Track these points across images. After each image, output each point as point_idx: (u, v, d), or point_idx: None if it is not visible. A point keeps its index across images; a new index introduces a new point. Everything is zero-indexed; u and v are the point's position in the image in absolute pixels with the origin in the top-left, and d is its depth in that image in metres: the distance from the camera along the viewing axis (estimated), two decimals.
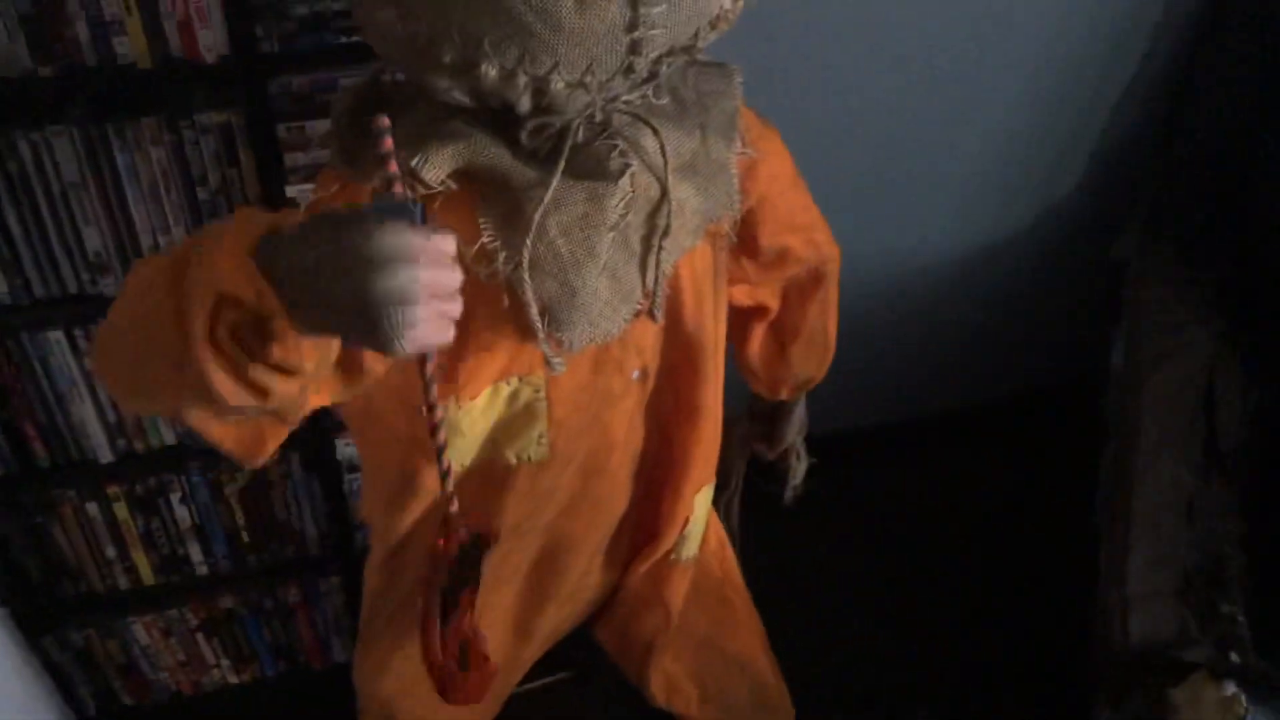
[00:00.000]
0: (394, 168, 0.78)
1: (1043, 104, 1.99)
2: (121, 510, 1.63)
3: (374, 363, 0.97)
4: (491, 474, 1.13)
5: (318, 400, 0.95)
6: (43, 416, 1.50)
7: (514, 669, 1.44)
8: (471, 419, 1.06)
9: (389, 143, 0.77)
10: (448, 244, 0.75)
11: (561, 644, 1.51)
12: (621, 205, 0.96)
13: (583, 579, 1.34)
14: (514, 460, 1.12)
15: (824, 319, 1.37)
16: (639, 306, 1.03)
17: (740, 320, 1.35)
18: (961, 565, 2.24)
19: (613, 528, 1.29)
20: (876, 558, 2.26)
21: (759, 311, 1.34)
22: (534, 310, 0.96)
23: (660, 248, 1.00)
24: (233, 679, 1.93)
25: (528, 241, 0.93)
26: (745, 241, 1.18)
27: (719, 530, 1.49)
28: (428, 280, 0.73)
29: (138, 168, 1.33)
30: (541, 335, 0.97)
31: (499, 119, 0.93)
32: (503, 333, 1.00)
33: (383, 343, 0.73)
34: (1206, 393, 1.86)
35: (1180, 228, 2.06)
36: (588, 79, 0.87)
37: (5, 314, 1.41)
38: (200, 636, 1.84)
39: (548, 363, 1.00)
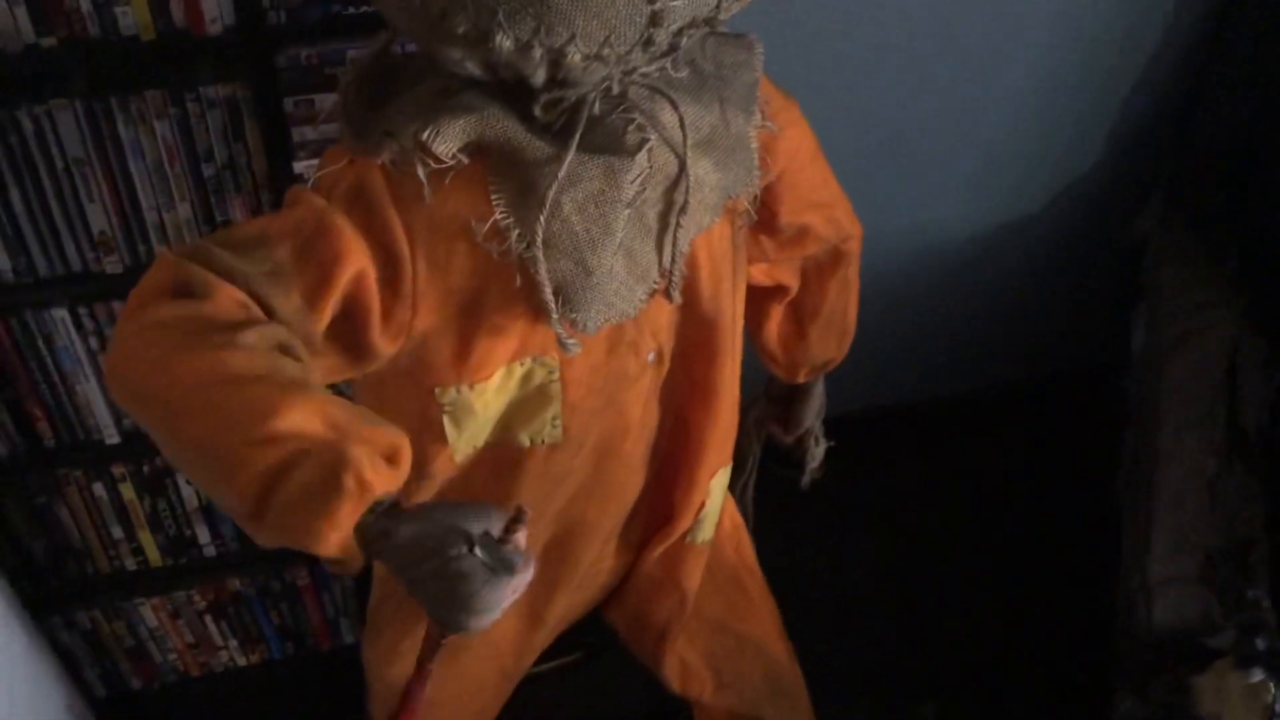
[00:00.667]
0: (523, 538, 0.83)
1: (1061, 79, 1.96)
2: (128, 491, 1.61)
3: (383, 346, 0.95)
4: (504, 456, 1.11)
5: (324, 380, 0.93)
6: (48, 396, 1.48)
7: (525, 654, 1.42)
8: (484, 400, 1.04)
9: (525, 526, 0.83)
10: (530, 574, 0.83)
11: (572, 626, 1.50)
12: (638, 181, 0.94)
13: (595, 565, 1.32)
14: (527, 442, 1.09)
15: (844, 299, 1.34)
16: (655, 286, 1.01)
17: (758, 300, 1.33)
18: (979, 550, 2.21)
19: (625, 513, 1.27)
20: (891, 542, 2.23)
21: (778, 291, 1.32)
22: (548, 290, 0.94)
23: (678, 225, 0.98)
24: (241, 661, 1.92)
25: (541, 219, 0.90)
26: (764, 218, 1.16)
27: (734, 514, 1.47)
28: (507, 607, 0.81)
29: (142, 142, 1.31)
30: (555, 316, 0.95)
31: (513, 92, 0.90)
32: (515, 313, 0.97)
33: (455, 632, 0.83)
34: (1228, 374, 1.84)
35: (1201, 206, 2.03)
36: (605, 51, 0.84)
37: (8, 293, 1.38)
38: (208, 618, 1.82)
39: (561, 344, 0.97)
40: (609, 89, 0.92)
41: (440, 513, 0.81)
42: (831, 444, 1.54)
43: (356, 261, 0.89)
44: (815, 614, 1.66)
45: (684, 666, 1.45)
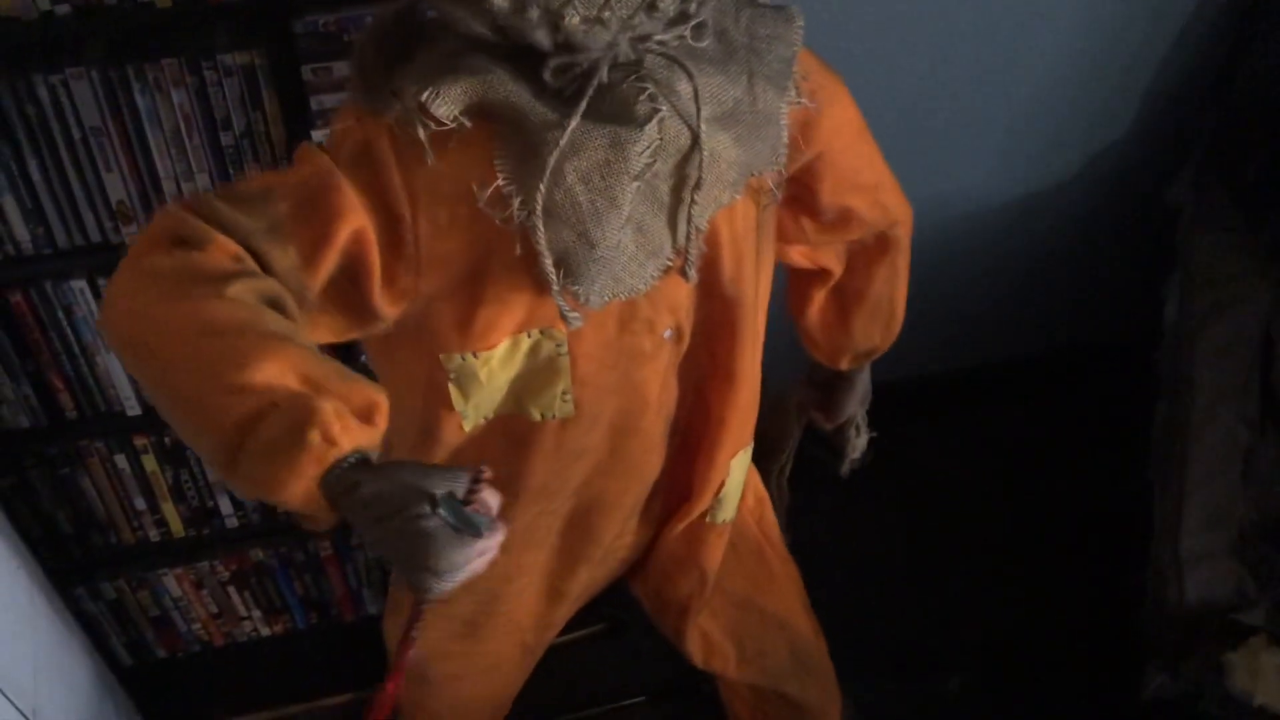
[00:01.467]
0: (490, 500, 0.81)
1: (1095, 40, 1.92)
2: (150, 462, 1.60)
3: (386, 308, 0.95)
4: (515, 430, 1.10)
5: (331, 339, 0.95)
6: (69, 368, 1.48)
7: (547, 629, 1.42)
8: (490, 369, 1.03)
9: (489, 476, 0.80)
10: (499, 537, 0.81)
11: (595, 598, 1.49)
12: (648, 153, 0.91)
13: (616, 540, 1.31)
14: (538, 416, 1.08)
15: (891, 286, 1.30)
16: (669, 263, 0.99)
17: (800, 283, 1.30)
18: (1007, 523, 2.19)
19: (646, 490, 1.25)
20: (917, 514, 2.22)
21: (820, 275, 1.28)
22: (548, 261, 0.92)
23: (692, 201, 0.95)
24: (265, 631, 1.92)
25: (541, 186, 0.89)
26: (804, 198, 1.13)
27: (758, 488, 1.45)
28: (475, 570, 0.79)
29: (159, 111, 1.29)
30: (556, 287, 0.94)
31: (524, 56, 0.89)
32: (520, 283, 0.96)
33: (419, 594, 0.80)
34: (1263, 345, 1.80)
35: (1238, 173, 1.98)
36: (605, 15, 0.83)
37: (28, 264, 1.38)
38: (231, 589, 1.82)
39: (563, 316, 0.96)
40: (619, 55, 0.89)
41: (406, 471, 0.80)
42: (873, 435, 1.50)
43: (355, 220, 0.89)
44: (840, 587, 1.65)
45: (707, 641, 1.44)
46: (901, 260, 1.28)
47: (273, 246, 0.87)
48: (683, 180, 0.94)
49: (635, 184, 0.91)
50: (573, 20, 0.83)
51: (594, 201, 0.91)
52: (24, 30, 1.19)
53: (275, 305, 0.85)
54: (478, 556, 0.78)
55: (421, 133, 0.88)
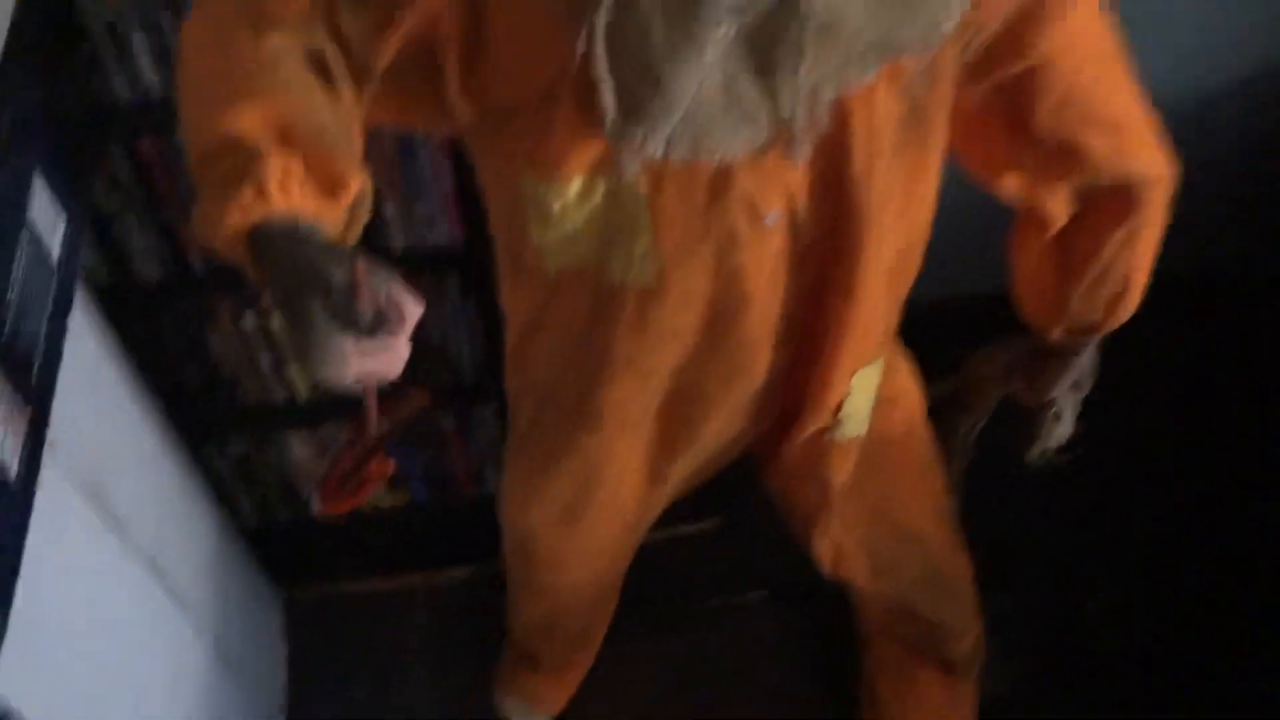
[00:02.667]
0: (396, 293, 0.77)
1: None
2: (277, 320, 1.58)
3: (461, 103, 0.92)
4: (601, 295, 1.03)
5: (416, 124, 1.03)
6: None
7: (650, 508, 1.37)
8: (564, 203, 0.96)
9: (362, 266, 0.76)
10: (397, 341, 0.76)
11: (713, 489, 1.43)
12: None
13: (719, 434, 1.22)
14: (618, 277, 1.00)
15: (1129, 259, 1.10)
16: (768, 134, 0.88)
17: (1019, 225, 1.13)
18: (1181, 449, 2.03)
19: (750, 391, 1.16)
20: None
21: (1033, 219, 1.10)
22: (607, 91, 0.84)
23: (796, 66, 0.84)
24: (385, 502, 1.92)
25: (603, 6, 0.81)
26: (1019, 116, 0.97)
27: (910, 391, 1.33)
28: (367, 371, 0.76)
29: None
30: (609, 122, 0.86)
31: None
32: (591, 117, 0.88)
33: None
34: None
35: None
36: None
37: (157, 109, 1.34)
38: None
39: (617, 159, 0.89)
40: None
41: (316, 250, 0.77)
42: (1081, 430, 1.30)
43: (432, 3, 0.86)
44: (986, 495, 1.53)
45: (838, 550, 1.37)
46: (1148, 229, 1.08)
47: (350, 10, 0.87)
48: (783, 40, 0.83)
49: (721, 28, 0.81)
50: None
51: (670, 38, 0.81)
52: None
53: (318, 62, 0.85)
54: (361, 355, 0.74)
55: None
